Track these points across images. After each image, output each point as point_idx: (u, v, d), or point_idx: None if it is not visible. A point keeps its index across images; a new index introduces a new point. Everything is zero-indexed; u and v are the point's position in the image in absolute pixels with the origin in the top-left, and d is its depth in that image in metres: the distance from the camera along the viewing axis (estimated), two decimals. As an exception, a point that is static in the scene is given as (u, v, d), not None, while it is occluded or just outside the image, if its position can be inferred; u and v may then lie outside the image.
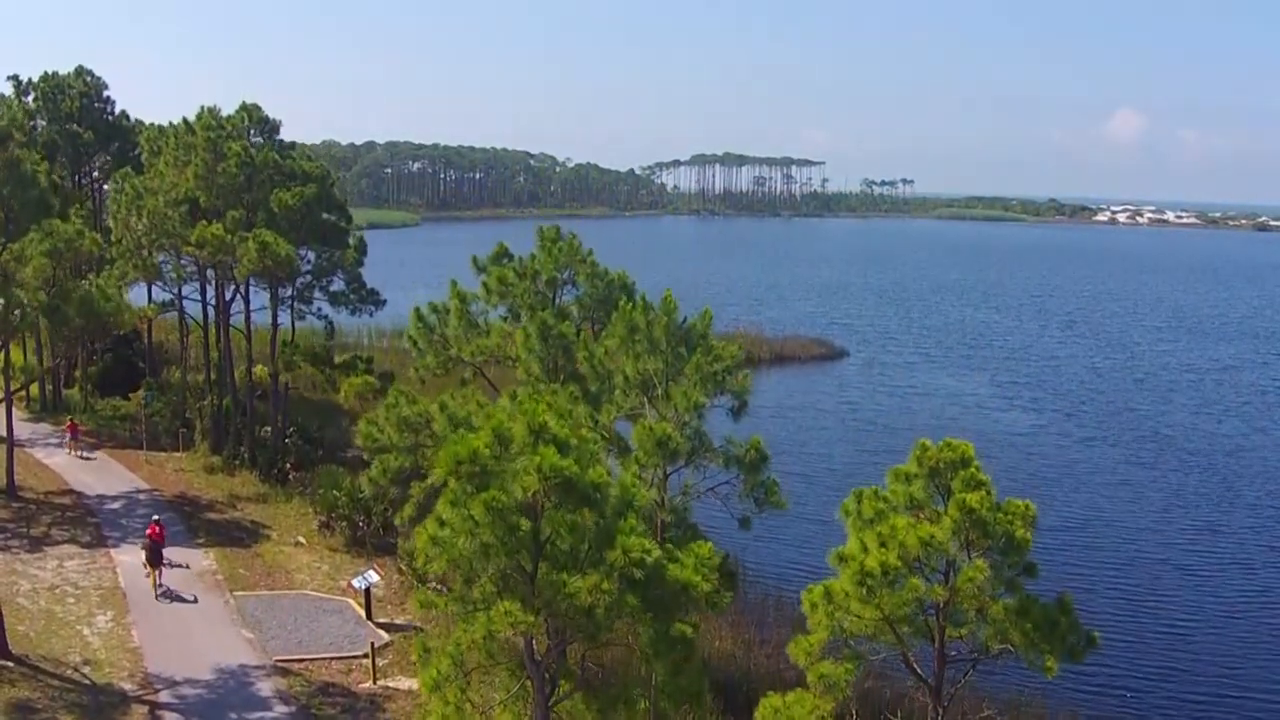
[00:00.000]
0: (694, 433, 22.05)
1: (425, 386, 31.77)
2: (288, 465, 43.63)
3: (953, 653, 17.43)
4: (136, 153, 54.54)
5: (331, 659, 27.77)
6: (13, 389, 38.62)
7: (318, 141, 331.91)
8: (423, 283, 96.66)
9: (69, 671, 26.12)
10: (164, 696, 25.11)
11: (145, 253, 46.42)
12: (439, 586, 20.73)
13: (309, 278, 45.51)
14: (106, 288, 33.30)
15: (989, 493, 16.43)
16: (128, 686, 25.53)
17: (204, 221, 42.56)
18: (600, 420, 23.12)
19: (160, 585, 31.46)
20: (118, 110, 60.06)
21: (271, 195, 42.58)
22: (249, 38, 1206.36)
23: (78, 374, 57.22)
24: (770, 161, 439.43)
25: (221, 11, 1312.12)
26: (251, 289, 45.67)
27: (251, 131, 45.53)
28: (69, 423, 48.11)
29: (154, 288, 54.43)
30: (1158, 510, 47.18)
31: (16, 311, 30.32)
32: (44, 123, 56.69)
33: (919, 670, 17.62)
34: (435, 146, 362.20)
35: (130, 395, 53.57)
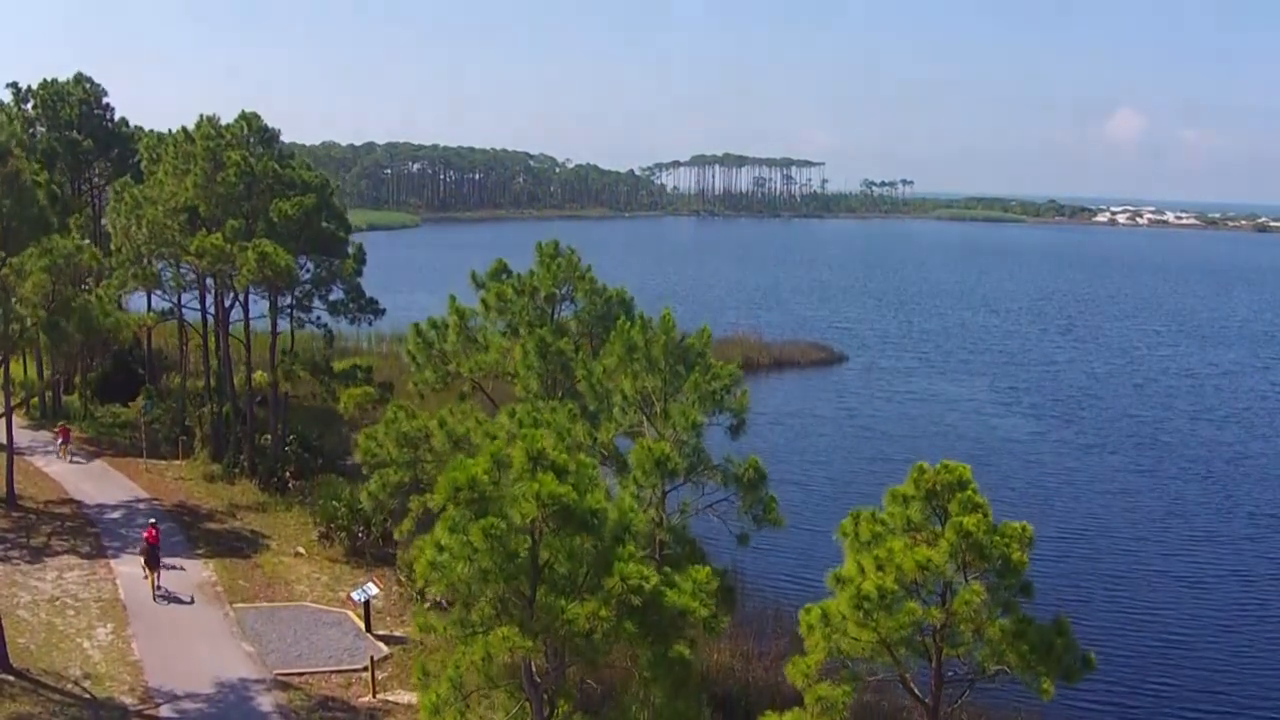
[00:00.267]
0: (692, 450, 22.11)
1: (424, 400, 31.83)
2: (287, 474, 43.68)
3: (950, 673, 17.49)
4: (136, 159, 54.61)
5: (331, 672, 27.87)
6: (13, 404, 38.68)
7: (317, 142, 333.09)
8: (423, 288, 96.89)
9: (69, 685, 26.20)
10: (164, 711, 25.20)
11: (145, 261, 46.56)
12: (440, 601, 20.81)
13: (308, 287, 45.59)
14: (105, 300, 33.34)
15: (986, 515, 16.47)
16: (128, 701, 25.61)
17: (203, 231, 42.68)
18: (599, 438, 23.19)
19: (159, 588, 32.20)
20: (117, 117, 60.28)
21: (271, 205, 42.65)
22: (249, 38, 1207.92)
23: (77, 381, 57.29)
24: (770, 162, 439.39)
25: (221, 12, 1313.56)
26: (251, 297, 45.80)
27: (251, 140, 45.57)
28: (60, 427, 48.33)
29: (153, 295, 54.55)
30: (1157, 519, 47.11)
31: (16, 327, 30.35)
32: (43, 130, 56.83)
33: (916, 691, 17.69)
34: (435, 147, 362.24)
35: (130, 402, 53.61)
